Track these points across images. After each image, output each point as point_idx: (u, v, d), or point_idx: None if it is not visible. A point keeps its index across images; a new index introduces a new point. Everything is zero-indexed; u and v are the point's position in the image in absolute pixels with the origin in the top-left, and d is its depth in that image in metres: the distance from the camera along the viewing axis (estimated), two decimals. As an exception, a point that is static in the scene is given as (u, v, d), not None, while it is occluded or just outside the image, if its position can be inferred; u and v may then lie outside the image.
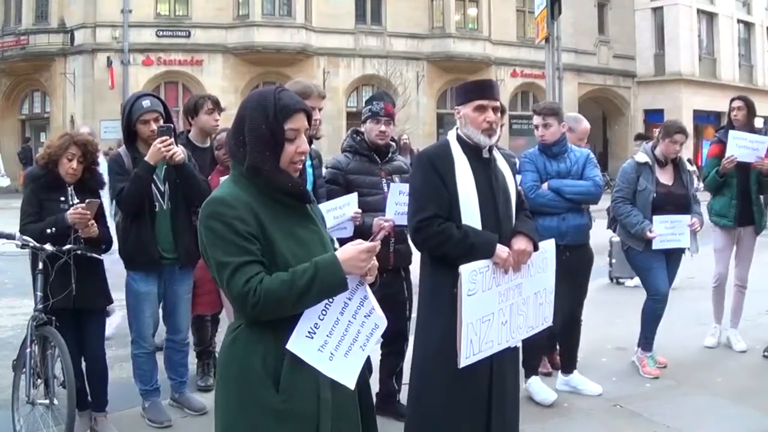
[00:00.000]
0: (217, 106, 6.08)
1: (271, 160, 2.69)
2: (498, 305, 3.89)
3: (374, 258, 2.71)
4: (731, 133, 6.95)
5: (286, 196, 2.74)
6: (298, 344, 2.62)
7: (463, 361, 3.74)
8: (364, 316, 2.74)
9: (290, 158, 2.73)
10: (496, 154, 4.25)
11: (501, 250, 3.89)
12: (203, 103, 6.07)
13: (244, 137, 2.71)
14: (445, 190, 4.04)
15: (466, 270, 3.73)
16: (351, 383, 2.72)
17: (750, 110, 7.16)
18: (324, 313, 2.66)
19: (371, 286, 2.79)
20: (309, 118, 2.80)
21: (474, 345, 3.77)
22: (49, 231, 4.82)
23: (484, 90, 4.15)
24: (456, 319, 3.72)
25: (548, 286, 4.22)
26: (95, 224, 4.91)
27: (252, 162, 2.68)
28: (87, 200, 4.89)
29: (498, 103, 4.14)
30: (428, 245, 4.15)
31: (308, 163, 4.96)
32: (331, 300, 2.67)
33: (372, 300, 2.76)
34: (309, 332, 2.64)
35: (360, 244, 2.66)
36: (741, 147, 6.87)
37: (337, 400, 2.72)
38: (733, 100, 7.35)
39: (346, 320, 2.71)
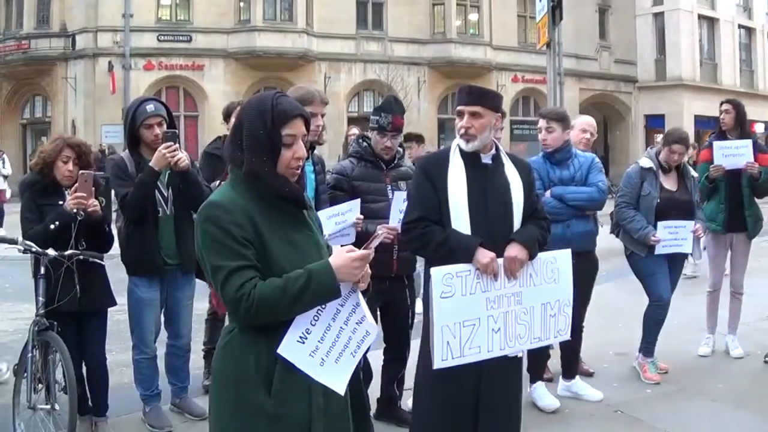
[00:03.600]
0: None
1: (268, 165, 2.71)
2: (486, 311, 3.85)
3: (367, 266, 2.72)
4: (715, 144, 6.95)
5: (283, 201, 2.76)
6: (289, 349, 2.64)
7: (438, 363, 3.74)
8: (356, 323, 2.76)
9: (287, 164, 2.75)
10: (505, 160, 4.22)
11: (482, 255, 3.86)
12: (234, 107, 6.10)
13: (242, 142, 2.73)
14: (434, 194, 4.07)
15: (437, 272, 3.75)
16: (341, 389, 2.73)
17: (739, 114, 7.09)
18: (316, 318, 2.68)
19: (364, 293, 2.81)
20: (307, 123, 2.83)
21: (452, 348, 3.76)
22: (53, 226, 4.81)
23: (461, 96, 4.20)
24: None
25: (562, 297, 4.10)
26: (95, 201, 4.90)
27: (249, 167, 2.70)
28: (79, 172, 4.89)
29: (477, 108, 4.08)
30: (412, 247, 4.30)
31: (310, 168, 4.95)
32: (323, 306, 2.68)
33: (364, 307, 2.77)
34: (300, 337, 2.66)
35: (353, 252, 2.68)
36: (727, 156, 6.84)
37: (328, 406, 2.74)
38: (722, 103, 7.29)
39: (338, 326, 2.72)
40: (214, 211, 2.67)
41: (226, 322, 3.10)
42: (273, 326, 2.64)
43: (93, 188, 4.89)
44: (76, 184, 4.85)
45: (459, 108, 4.14)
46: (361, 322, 2.76)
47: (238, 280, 2.58)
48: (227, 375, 2.72)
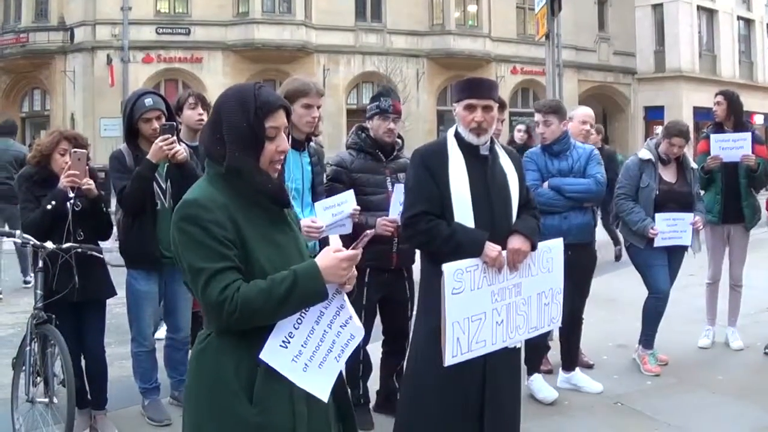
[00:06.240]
0: (200, 101, 6.00)
1: (251, 159, 2.60)
2: (491, 305, 3.86)
3: (353, 267, 2.60)
4: (712, 136, 6.93)
5: (264, 198, 2.65)
6: (271, 354, 2.52)
7: (449, 359, 3.73)
8: (340, 326, 2.64)
9: (270, 157, 2.64)
10: (500, 151, 4.23)
11: (490, 248, 3.85)
12: (186, 98, 6.02)
13: (222, 135, 2.60)
14: (435, 187, 4.04)
15: (449, 268, 3.72)
16: (324, 396, 2.63)
17: (731, 105, 7.06)
18: (299, 322, 2.56)
19: (349, 294, 2.69)
20: (288, 115, 2.73)
21: (462, 344, 3.75)
22: (49, 206, 4.81)
23: (473, 89, 4.14)
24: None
25: (555, 286, 4.16)
26: (89, 180, 4.90)
27: (231, 162, 2.58)
28: (72, 150, 4.89)
29: (490, 102, 4.08)
30: (416, 242, 4.24)
31: (306, 160, 4.93)
32: (306, 309, 2.57)
33: (349, 309, 2.67)
34: (283, 342, 2.54)
35: (340, 252, 2.56)
36: (725, 149, 6.82)
37: (311, 413, 2.64)
38: (716, 95, 7.29)
39: (322, 330, 2.60)
40: (193, 209, 2.54)
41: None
42: (253, 331, 2.52)
43: (86, 167, 4.89)
44: (69, 162, 4.84)
45: (471, 101, 4.07)
46: (345, 325, 2.65)
47: (220, 282, 2.45)
48: (205, 383, 2.59)
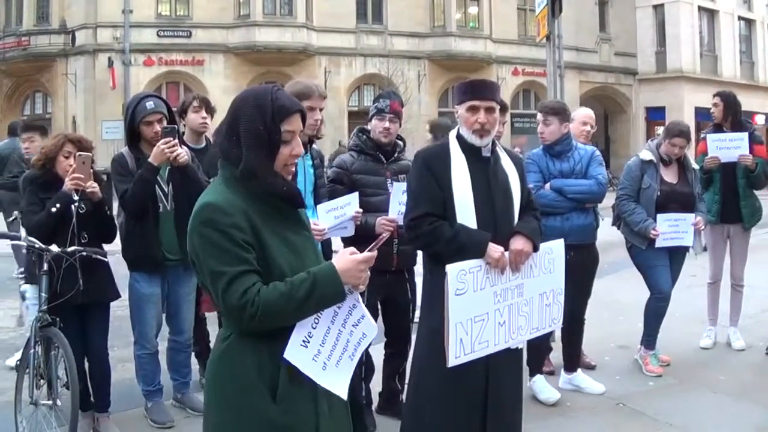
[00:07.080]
0: (204, 104, 6.02)
1: (266, 162, 2.63)
2: (494, 305, 3.87)
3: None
4: (708, 137, 6.97)
5: (279, 200, 2.69)
6: (294, 353, 2.58)
7: (452, 360, 3.74)
8: (353, 325, 2.70)
9: (285, 161, 2.68)
10: (501, 153, 4.24)
11: (493, 250, 3.86)
12: (190, 101, 6.05)
13: (239, 138, 2.63)
14: (438, 189, 4.05)
15: (452, 269, 3.73)
16: (344, 393, 2.68)
17: (728, 106, 7.08)
18: (316, 322, 2.61)
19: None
20: (303, 119, 2.76)
21: (465, 345, 3.76)
22: (54, 209, 4.83)
23: (475, 90, 4.14)
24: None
25: (556, 287, 4.17)
26: (94, 183, 4.93)
27: (248, 164, 2.60)
28: (77, 154, 4.92)
29: (492, 104, 4.10)
30: (419, 243, 4.23)
31: (309, 163, 4.94)
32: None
33: (362, 308, 2.72)
34: (303, 341, 2.59)
35: (357, 254, 2.60)
36: (721, 149, 6.84)
37: (331, 409, 2.70)
38: (713, 96, 7.31)
39: (337, 329, 2.66)
40: (212, 213, 2.56)
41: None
42: (274, 331, 2.55)
43: (90, 170, 4.92)
44: (74, 165, 4.86)
45: (474, 103, 4.08)
46: (357, 324, 2.71)
47: (240, 286, 2.49)
48: (228, 384, 2.62)
